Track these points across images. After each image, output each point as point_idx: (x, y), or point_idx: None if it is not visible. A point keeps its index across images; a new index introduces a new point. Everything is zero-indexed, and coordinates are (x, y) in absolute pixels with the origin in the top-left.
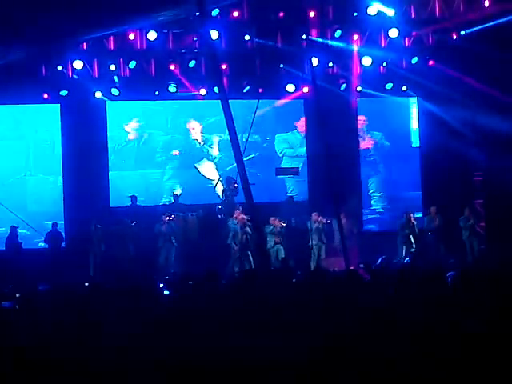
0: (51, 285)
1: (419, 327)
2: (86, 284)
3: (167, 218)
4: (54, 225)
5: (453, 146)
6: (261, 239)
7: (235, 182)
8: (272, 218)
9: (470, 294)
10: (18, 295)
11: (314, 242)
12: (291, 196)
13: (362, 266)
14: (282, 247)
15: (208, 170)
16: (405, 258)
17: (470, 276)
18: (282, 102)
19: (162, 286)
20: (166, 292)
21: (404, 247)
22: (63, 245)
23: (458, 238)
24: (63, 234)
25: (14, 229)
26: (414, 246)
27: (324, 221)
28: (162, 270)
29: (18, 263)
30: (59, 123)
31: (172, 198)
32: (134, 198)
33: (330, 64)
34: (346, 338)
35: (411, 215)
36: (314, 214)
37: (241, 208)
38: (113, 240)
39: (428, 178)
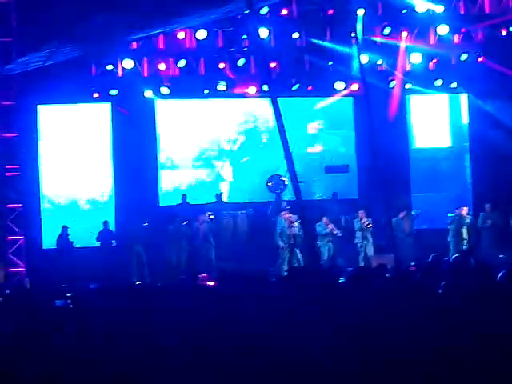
0: (103, 283)
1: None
2: (138, 283)
3: (207, 218)
4: (105, 223)
5: (502, 142)
6: (309, 237)
7: (284, 180)
8: (325, 219)
9: None
10: (68, 294)
11: (358, 241)
12: (335, 193)
13: (412, 263)
14: (332, 246)
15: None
16: (455, 254)
17: None
18: (331, 99)
19: (211, 284)
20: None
21: (456, 244)
22: (115, 243)
23: (507, 236)
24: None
25: (65, 228)
26: (466, 242)
27: (366, 222)
28: (202, 270)
29: (70, 262)
30: (110, 122)
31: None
32: (184, 196)
33: (379, 61)
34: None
35: (466, 211)
36: (360, 212)
37: (288, 207)
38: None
39: (477, 175)
